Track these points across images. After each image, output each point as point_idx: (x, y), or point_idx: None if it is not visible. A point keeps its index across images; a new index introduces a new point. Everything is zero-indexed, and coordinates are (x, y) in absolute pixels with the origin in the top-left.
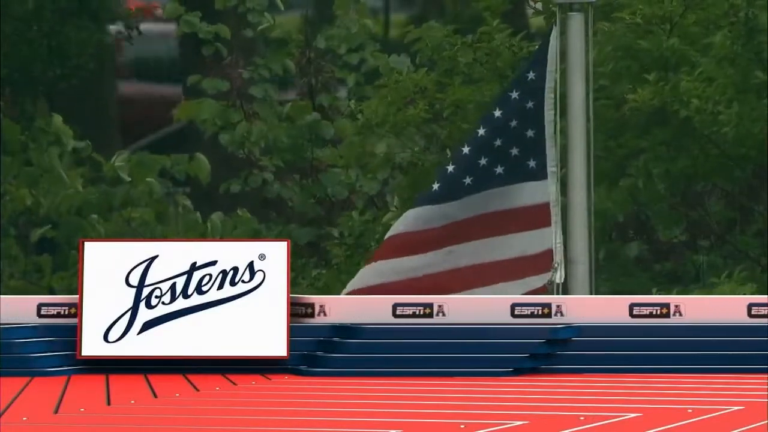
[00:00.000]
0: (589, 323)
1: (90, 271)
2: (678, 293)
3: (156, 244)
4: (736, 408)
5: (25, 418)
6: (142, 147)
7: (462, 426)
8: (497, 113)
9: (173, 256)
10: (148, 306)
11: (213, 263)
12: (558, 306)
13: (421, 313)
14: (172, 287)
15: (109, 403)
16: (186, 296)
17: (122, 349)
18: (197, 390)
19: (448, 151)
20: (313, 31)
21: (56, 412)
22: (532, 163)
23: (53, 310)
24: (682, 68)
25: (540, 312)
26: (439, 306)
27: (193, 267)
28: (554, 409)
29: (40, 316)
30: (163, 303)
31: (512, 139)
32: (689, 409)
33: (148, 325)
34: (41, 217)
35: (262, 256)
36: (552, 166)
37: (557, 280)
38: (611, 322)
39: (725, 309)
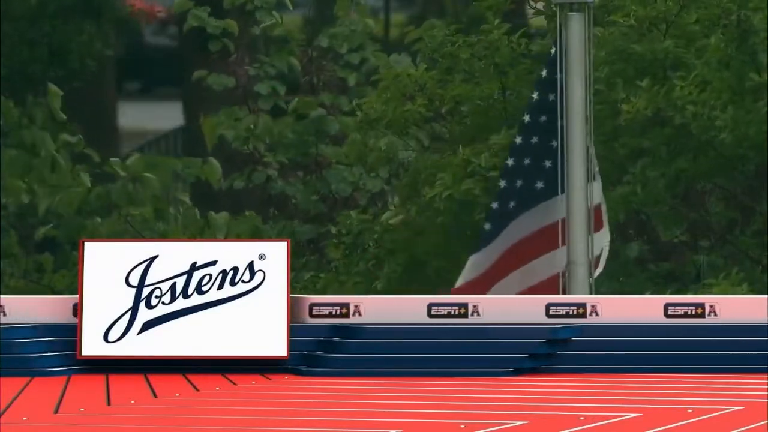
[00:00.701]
0: (624, 323)
1: (90, 271)
2: (673, 293)
3: (156, 244)
4: (736, 408)
5: (25, 418)
6: (142, 147)
7: (462, 426)
8: (518, 140)
9: (173, 256)
10: (148, 306)
11: (213, 263)
12: (593, 306)
13: (456, 313)
14: (172, 287)
15: (109, 403)
16: (186, 296)
17: (122, 349)
18: (197, 390)
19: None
20: (314, 30)
21: (56, 412)
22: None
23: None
24: (677, 72)
25: (575, 312)
26: (474, 306)
27: (193, 267)
28: (554, 409)
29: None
30: (163, 303)
31: (541, 153)
32: (689, 409)
33: (148, 325)
34: (41, 217)
35: (262, 256)
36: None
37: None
38: (646, 322)
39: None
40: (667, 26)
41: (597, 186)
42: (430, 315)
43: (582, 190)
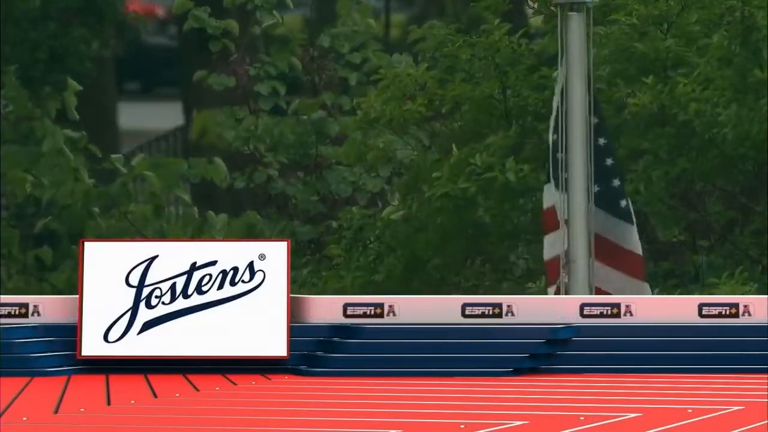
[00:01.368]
0: (657, 323)
1: (90, 271)
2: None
3: (156, 244)
4: (736, 408)
5: (25, 418)
6: (142, 147)
7: (462, 426)
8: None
9: (173, 256)
10: (148, 306)
11: (213, 263)
12: (627, 306)
13: (490, 313)
14: (172, 287)
15: (109, 403)
16: (186, 296)
17: (122, 349)
18: (197, 390)
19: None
20: (314, 30)
21: (56, 412)
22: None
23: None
24: (679, 70)
25: (609, 312)
26: (508, 306)
27: (193, 267)
28: (554, 409)
29: None
30: (163, 303)
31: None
32: (689, 409)
33: (148, 325)
34: (43, 207)
35: (262, 256)
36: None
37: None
38: (680, 322)
39: None
40: (669, 26)
41: (550, 187)
42: (464, 315)
43: (582, 190)
